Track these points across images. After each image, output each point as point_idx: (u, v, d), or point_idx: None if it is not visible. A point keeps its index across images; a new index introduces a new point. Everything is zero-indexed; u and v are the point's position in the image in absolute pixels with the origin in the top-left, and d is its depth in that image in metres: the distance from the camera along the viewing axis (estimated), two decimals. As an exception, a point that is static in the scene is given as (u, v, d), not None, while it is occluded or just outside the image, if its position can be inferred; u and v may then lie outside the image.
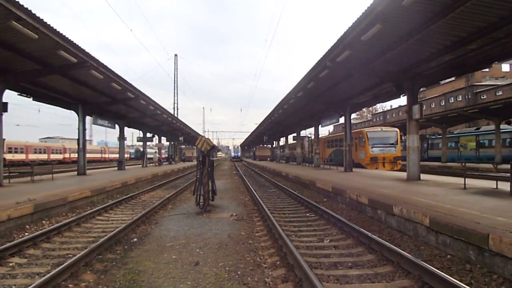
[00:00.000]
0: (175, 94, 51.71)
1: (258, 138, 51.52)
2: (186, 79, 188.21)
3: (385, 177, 13.87)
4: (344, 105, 18.11)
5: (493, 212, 5.66)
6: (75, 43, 10.20)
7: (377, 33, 8.51)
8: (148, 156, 34.08)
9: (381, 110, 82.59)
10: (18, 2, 7.53)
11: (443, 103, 54.52)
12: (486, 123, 33.73)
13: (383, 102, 20.21)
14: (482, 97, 47.15)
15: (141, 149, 35.52)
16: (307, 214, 8.67)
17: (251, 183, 16.59)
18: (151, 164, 33.54)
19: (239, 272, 4.53)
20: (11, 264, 4.92)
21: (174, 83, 51.09)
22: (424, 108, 47.07)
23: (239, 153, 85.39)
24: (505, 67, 52.26)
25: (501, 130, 24.61)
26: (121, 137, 24.81)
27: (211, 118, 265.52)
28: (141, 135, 32.06)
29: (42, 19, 8.37)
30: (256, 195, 11.24)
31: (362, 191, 9.17)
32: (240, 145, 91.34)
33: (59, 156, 48.46)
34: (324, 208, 8.44)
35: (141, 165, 31.51)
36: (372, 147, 22.67)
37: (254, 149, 66.61)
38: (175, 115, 40.99)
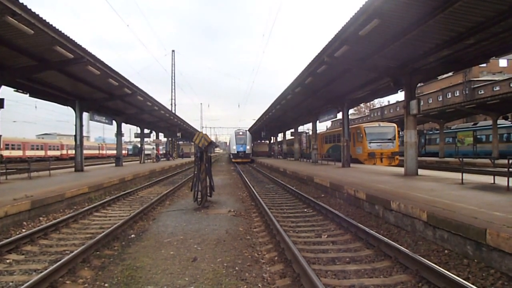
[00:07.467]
0: (173, 90, 51.68)
1: (256, 133, 51.31)
2: (184, 75, 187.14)
3: (382, 172, 13.90)
4: (342, 100, 18.09)
5: (491, 207, 5.68)
6: (71, 39, 10.11)
7: (375, 28, 8.49)
8: (146, 152, 34.00)
9: (379, 106, 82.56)
10: (12, -4, 7.43)
11: (441, 99, 54.54)
12: (483, 118, 33.77)
13: (381, 97, 20.23)
14: (479, 93, 47.22)
15: (139, 145, 35.39)
16: (305, 210, 8.69)
17: (249, 179, 16.59)
18: (148, 160, 33.47)
19: (237, 268, 4.53)
20: (8, 261, 4.91)
21: (172, 79, 51.06)
22: (422, 103, 46.90)
23: (248, 146, 40.74)
24: (502, 62, 52.27)
25: (498, 125, 24.71)
26: (119, 133, 24.69)
27: (209, 114, 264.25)
28: (139, 131, 31.97)
29: (37, 14, 8.27)
30: (254, 191, 11.24)
31: (360, 186, 9.18)
32: (249, 130, 48.61)
33: (57, 153, 48.20)
34: (322, 204, 8.45)
35: (138, 161, 31.45)
36: (370, 142, 22.70)
37: (252, 144, 66.48)
38: (173, 111, 40.87)
